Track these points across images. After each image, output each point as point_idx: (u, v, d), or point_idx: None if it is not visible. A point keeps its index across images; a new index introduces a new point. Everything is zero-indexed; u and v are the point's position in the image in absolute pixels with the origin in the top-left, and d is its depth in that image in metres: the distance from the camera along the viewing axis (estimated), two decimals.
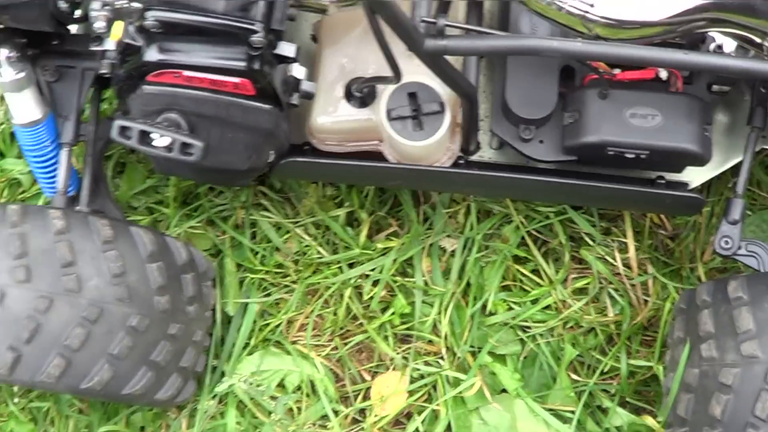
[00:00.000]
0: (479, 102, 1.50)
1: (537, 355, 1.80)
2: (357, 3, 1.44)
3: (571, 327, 1.82)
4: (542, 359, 1.79)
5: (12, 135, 1.97)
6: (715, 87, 1.60)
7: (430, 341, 1.82)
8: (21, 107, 1.60)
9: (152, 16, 1.35)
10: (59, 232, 1.49)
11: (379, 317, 1.83)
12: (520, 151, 1.58)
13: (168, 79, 1.42)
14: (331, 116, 1.56)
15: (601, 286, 1.83)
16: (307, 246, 1.88)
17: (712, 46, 1.46)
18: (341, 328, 1.84)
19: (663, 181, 1.61)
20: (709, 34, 1.44)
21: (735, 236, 1.53)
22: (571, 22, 1.30)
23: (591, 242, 1.85)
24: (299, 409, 1.79)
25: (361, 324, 1.84)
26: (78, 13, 1.51)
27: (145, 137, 1.42)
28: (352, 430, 1.79)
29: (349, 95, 1.55)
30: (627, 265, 1.83)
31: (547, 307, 1.82)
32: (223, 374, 1.81)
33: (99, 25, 1.40)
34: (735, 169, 1.61)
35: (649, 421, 1.72)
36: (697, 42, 1.47)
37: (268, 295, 1.86)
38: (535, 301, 1.82)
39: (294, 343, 1.84)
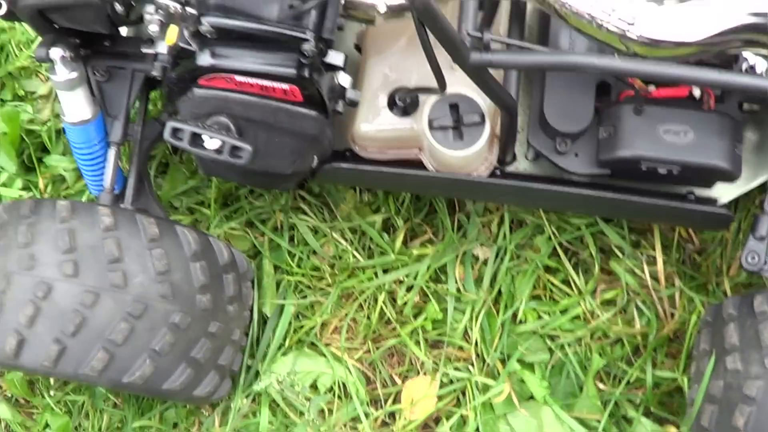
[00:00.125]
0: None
1: (564, 364, 1.80)
2: (404, 15, 1.46)
3: (599, 337, 1.82)
4: (570, 368, 1.80)
5: (57, 132, 2.01)
6: (745, 106, 1.60)
7: (461, 347, 1.83)
8: (72, 106, 1.61)
9: (208, 22, 1.37)
10: (107, 228, 1.50)
11: (411, 322, 1.85)
12: (556, 163, 1.59)
13: (219, 84, 1.44)
14: (374, 124, 1.58)
15: (629, 298, 1.83)
16: (343, 250, 1.89)
17: (744, 66, 1.46)
18: (374, 332, 1.86)
19: (693, 197, 1.62)
20: (743, 54, 1.45)
21: (762, 252, 1.52)
22: (609, 40, 1.31)
23: (620, 254, 1.86)
24: (330, 410, 1.81)
25: (393, 328, 1.85)
26: (132, 16, 1.51)
27: (196, 139, 1.45)
28: None
29: (392, 104, 1.57)
30: (655, 278, 1.84)
31: (576, 317, 1.83)
32: (257, 373, 1.83)
33: (153, 28, 1.43)
34: (763, 186, 1.63)
35: (673, 431, 1.73)
36: (731, 61, 1.48)
37: (304, 297, 1.88)
38: (564, 311, 1.83)
39: (328, 345, 1.86)
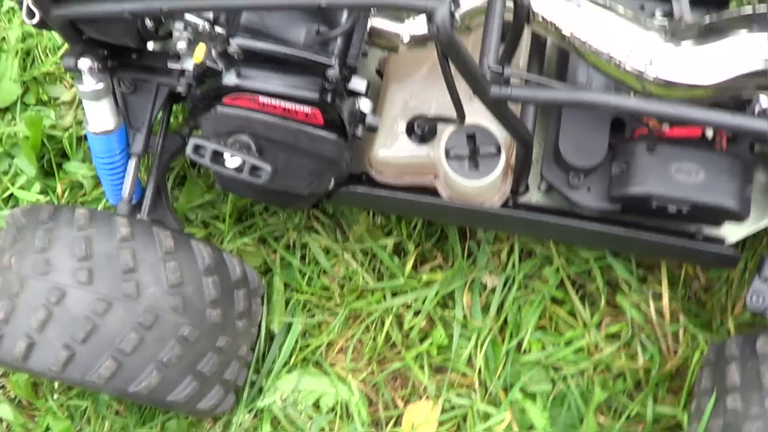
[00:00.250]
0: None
1: (566, 395, 1.81)
2: (427, 45, 1.48)
3: (602, 370, 1.83)
4: (571, 399, 1.80)
5: (78, 139, 2.02)
6: (757, 147, 1.60)
7: (464, 374, 1.84)
8: (97, 116, 1.62)
9: (237, 44, 1.38)
10: (124, 239, 1.51)
11: (416, 347, 1.86)
12: (568, 196, 1.60)
13: (243, 103, 1.45)
14: (392, 150, 1.59)
15: (634, 332, 1.84)
16: (353, 271, 1.91)
17: (757, 109, 1.46)
18: (379, 354, 1.86)
19: (701, 235, 1.63)
20: (757, 96, 1.46)
21: (766, 293, 1.53)
22: (626, 79, 1.34)
23: (627, 289, 1.87)
24: (332, 430, 1.81)
25: (399, 352, 1.86)
26: (161, 31, 1.53)
27: (217, 157, 1.46)
28: None
29: (410, 131, 1.59)
30: (660, 314, 1.84)
31: (580, 349, 1.84)
32: (260, 389, 1.83)
33: (181, 45, 1.45)
34: None
35: None
36: (744, 104, 1.48)
37: (312, 316, 1.89)
38: (568, 343, 1.84)
39: (333, 365, 1.86)
